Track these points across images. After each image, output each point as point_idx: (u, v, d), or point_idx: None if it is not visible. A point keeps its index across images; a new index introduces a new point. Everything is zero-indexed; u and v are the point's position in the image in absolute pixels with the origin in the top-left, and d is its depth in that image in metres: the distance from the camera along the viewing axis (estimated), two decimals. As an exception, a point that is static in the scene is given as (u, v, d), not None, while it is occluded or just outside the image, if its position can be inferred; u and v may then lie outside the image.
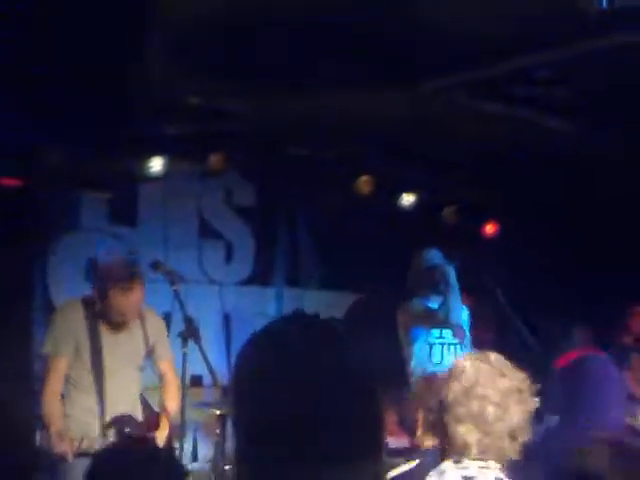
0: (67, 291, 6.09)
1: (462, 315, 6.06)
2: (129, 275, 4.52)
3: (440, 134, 6.44)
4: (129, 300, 4.57)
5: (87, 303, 4.75)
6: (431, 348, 5.98)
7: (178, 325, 4.87)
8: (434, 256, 6.02)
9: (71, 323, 4.72)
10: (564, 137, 6.16)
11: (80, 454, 4.32)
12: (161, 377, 5.05)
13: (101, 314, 4.70)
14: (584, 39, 4.47)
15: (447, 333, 5.98)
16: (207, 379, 5.78)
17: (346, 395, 1.53)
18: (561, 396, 3.54)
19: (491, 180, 7.21)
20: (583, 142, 6.11)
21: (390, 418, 4.40)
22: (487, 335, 6.99)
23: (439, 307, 5.89)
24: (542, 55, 4.71)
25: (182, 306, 4.66)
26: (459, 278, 6.00)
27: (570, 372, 3.60)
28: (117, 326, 4.77)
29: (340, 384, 1.53)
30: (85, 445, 4.40)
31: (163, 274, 4.80)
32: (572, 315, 7.27)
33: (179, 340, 4.68)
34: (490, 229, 8.02)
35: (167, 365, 5.02)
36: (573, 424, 3.41)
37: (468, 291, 6.61)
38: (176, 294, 4.69)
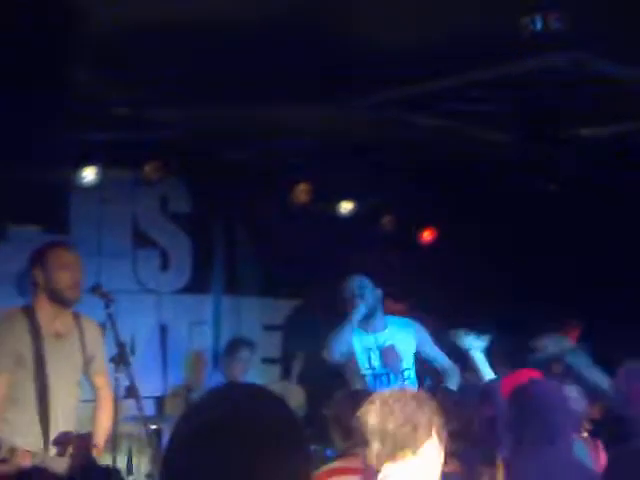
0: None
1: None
2: (71, 255, 4.75)
3: (377, 144, 6.45)
4: (74, 276, 4.67)
5: (26, 312, 4.66)
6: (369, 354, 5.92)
7: (110, 348, 4.79)
8: (361, 284, 5.86)
9: (12, 334, 4.62)
10: (499, 148, 6.21)
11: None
12: (97, 391, 4.97)
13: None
14: (516, 60, 4.50)
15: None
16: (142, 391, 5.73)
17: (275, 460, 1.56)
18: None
19: (428, 188, 7.25)
20: (518, 154, 6.17)
21: None
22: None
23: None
24: (475, 74, 4.73)
25: (115, 331, 4.59)
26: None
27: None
28: (59, 336, 4.70)
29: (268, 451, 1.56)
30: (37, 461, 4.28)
31: (99, 297, 4.73)
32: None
33: (112, 365, 4.62)
34: (427, 236, 8.06)
35: (103, 379, 4.93)
36: None
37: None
38: (109, 317, 4.63)
